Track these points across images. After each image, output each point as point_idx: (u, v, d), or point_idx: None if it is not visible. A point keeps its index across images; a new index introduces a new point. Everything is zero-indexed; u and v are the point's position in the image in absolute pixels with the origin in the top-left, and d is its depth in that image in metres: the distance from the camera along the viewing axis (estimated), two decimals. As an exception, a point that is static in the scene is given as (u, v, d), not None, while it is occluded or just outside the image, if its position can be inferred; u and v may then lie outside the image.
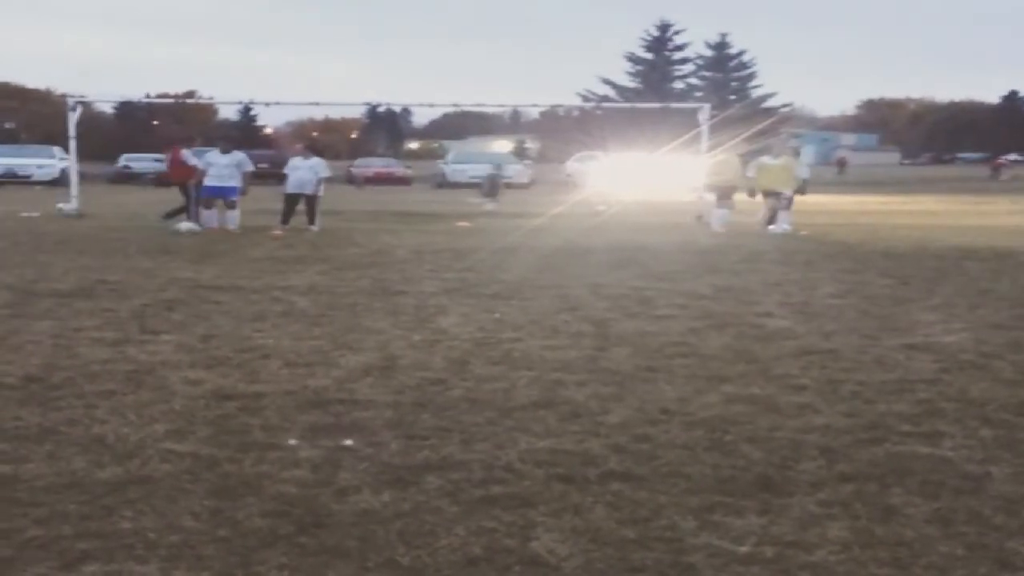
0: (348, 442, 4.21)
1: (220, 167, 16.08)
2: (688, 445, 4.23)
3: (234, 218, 15.98)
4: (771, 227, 16.14)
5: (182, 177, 16.58)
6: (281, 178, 17.54)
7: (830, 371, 5.66)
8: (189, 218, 15.99)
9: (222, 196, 16.11)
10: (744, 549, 3.15)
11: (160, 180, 18.46)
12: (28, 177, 35.84)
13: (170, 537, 3.21)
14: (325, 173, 16.72)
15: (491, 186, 25.26)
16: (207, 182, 15.99)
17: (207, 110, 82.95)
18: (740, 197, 17.26)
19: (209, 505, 3.48)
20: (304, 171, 16.44)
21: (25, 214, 18.96)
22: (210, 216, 16.02)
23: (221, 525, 3.32)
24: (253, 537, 3.23)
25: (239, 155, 16.60)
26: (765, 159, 16.86)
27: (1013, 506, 3.54)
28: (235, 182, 16.07)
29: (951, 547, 3.18)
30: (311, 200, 16.40)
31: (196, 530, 3.28)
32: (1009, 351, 6.26)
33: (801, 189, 18.15)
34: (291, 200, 16.46)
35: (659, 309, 7.91)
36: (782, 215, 16.24)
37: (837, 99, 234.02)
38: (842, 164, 62.30)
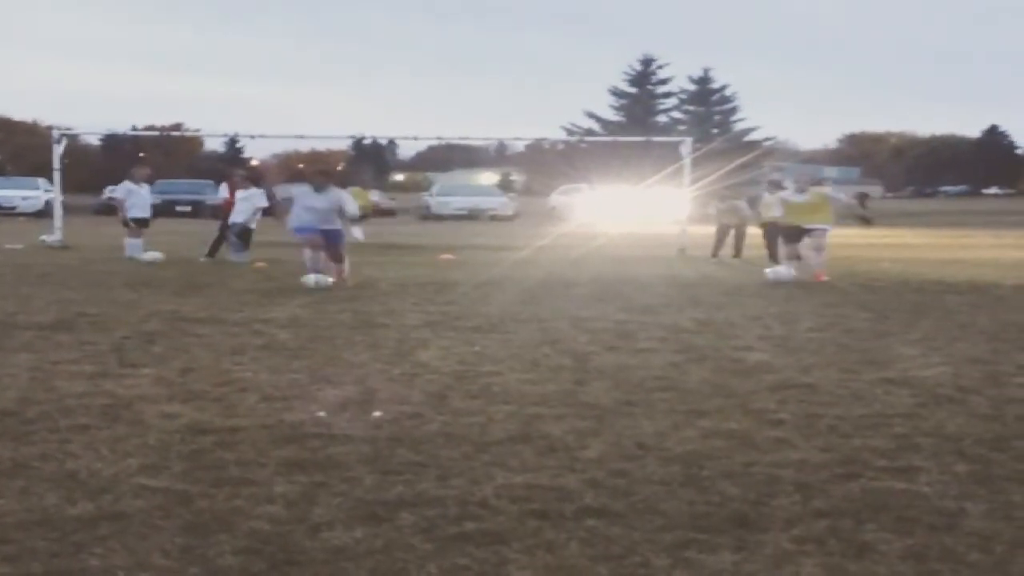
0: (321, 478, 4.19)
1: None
2: (664, 481, 4.22)
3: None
4: (767, 270, 13.93)
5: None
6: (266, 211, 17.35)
7: (807, 405, 5.68)
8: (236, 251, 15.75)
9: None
10: (717, 586, 3.14)
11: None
12: (12, 208, 35.77)
13: (139, 575, 3.18)
14: (262, 203, 16.36)
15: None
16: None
17: (193, 142, 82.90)
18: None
19: (181, 542, 3.45)
20: (241, 202, 16.14)
21: (8, 246, 18.88)
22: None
23: (192, 563, 3.29)
24: (224, 575, 3.20)
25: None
26: (787, 195, 14.85)
27: (987, 543, 3.54)
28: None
29: (923, 584, 3.18)
30: (246, 231, 16.06)
31: (166, 568, 3.25)
32: (986, 386, 6.30)
33: (867, 219, 15.34)
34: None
35: (640, 343, 7.92)
36: (815, 256, 13.89)
37: (819, 132, 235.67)
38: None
